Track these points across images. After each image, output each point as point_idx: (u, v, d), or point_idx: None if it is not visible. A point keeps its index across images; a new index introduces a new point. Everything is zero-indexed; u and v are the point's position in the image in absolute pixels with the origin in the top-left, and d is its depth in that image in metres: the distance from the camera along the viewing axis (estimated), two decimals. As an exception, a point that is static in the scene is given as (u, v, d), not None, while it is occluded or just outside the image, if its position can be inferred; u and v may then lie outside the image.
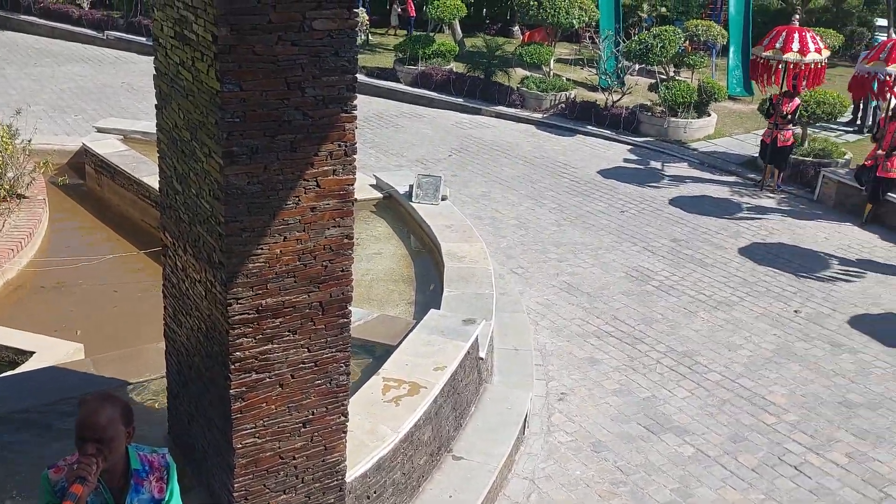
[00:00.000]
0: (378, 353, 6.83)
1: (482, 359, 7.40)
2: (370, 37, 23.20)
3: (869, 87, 12.53)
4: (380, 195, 10.72)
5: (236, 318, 4.33)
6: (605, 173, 14.57)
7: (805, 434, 7.48)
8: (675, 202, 13.30)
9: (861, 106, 17.46)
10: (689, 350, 8.86)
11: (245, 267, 4.28)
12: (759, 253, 11.46)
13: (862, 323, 9.59)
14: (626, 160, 15.45)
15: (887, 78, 11.84)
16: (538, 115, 17.62)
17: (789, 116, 13.50)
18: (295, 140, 4.23)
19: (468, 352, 6.96)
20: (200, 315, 4.71)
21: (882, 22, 25.11)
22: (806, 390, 8.19)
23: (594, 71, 19.30)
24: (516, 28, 25.62)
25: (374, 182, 10.99)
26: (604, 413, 7.70)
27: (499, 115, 17.80)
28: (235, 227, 4.20)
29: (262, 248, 4.30)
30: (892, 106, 12.30)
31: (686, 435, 7.41)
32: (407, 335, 6.97)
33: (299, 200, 4.33)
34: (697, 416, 7.71)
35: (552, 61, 19.13)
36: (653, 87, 16.85)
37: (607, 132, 16.72)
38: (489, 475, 6.23)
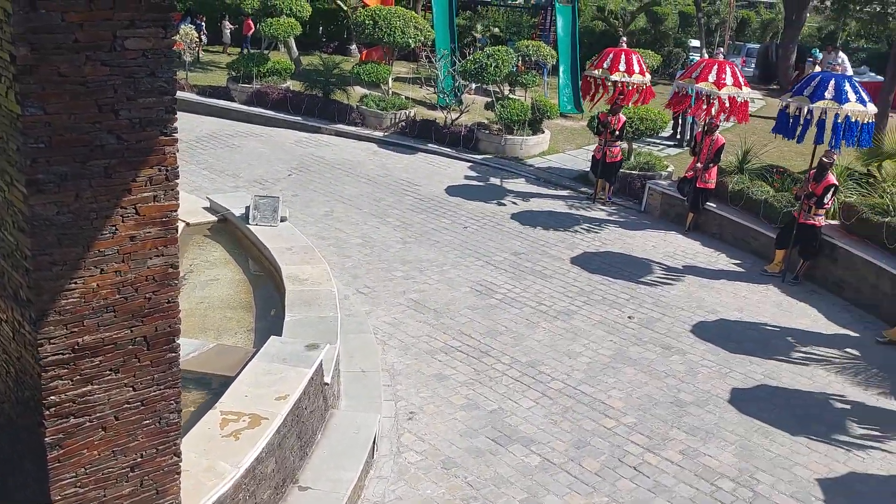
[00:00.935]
0: (215, 386, 6.52)
1: (327, 384, 7.23)
2: (202, 55, 22.46)
3: (687, 103, 13.43)
4: (214, 218, 10.32)
5: (49, 359, 3.97)
6: (448, 190, 14.77)
7: (642, 435, 7.82)
8: (514, 217, 13.66)
9: (680, 121, 18.70)
10: (532, 360, 9.07)
11: (57, 304, 3.94)
12: (594, 263, 11.95)
13: (689, 325, 10.19)
14: (466, 177, 15.74)
15: (701, 96, 12.71)
16: (379, 134, 17.67)
17: (617, 133, 14.23)
18: (109, 165, 3.96)
19: (312, 378, 6.77)
20: (9, 358, 4.29)
21: (696, 43, 27.14)
22: (641, 392, 8.57)
23: (432, 89, 19.59)
24: (353, 46, 25.66)
25: (208, 205, 10.56)
26: (453, 429, 7.72)
27: (339, 134, 17.70)
28: (44, 261, 3.87)
29: (75, 283, 3.98)
30: (706, 121, 13.23)
31: (532, 444, 7.55)
32: (246, 365, 6.69)
33: (117, 229, 4.05)
34: (542, 424, 7.89)
35: (390, 80, 19.26)
36: (489, 106, 17.31)
37: (448, 150, 16.99)
38: (337, 503, 6.07)
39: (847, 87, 10.65)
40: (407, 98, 19.23)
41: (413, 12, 20.13)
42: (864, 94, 10.72)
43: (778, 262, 11.85)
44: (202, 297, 8.41)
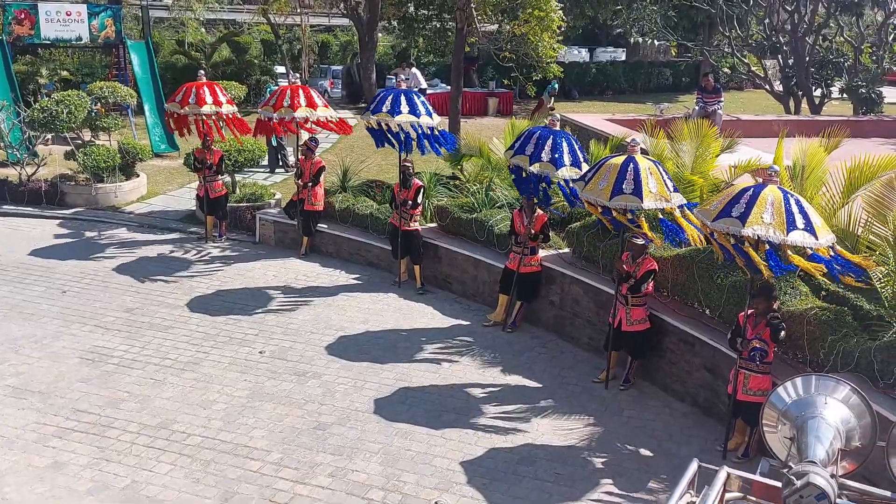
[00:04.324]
0: None
1: None
2: None
3: (277, 130, 13.48)
4: None
5: None
6: (37, 254, 13.17)
7: (290, 468, 7.63)
8: (121, 270, 12.61)
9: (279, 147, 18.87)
10: (163, 421, 8.39)
11: None
12: (215, 304, 11.48)
13: (321, 347, 10.24)
14: (57, 236, 14.18)
15: (288, 120, 12.86)
16: (-67, 203, 15.19)
17: (215, 167, 13.84)
18: None
19: None
20: None
21: (282, 69, 27.67)
22: (283, 425, 8.38)
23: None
24: None
25: None
26: (80, 521, 6.81)
27: None
28: None
29: None
30: (301, 144, 13.46)
31: (176, 512, 6.97)
32: None
33: None
34: (184, 486, 7.32)
35: (-60, 141, 16.63)
36: (70, 155, 15.78)
37: (29, 209, 15.21)
38: None
39: (402, 99, 11.39)
40: (-32, 158, 16.80)
41: (-42, 62, 17.63)
42: (419, 106, 11.47)
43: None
44: None
